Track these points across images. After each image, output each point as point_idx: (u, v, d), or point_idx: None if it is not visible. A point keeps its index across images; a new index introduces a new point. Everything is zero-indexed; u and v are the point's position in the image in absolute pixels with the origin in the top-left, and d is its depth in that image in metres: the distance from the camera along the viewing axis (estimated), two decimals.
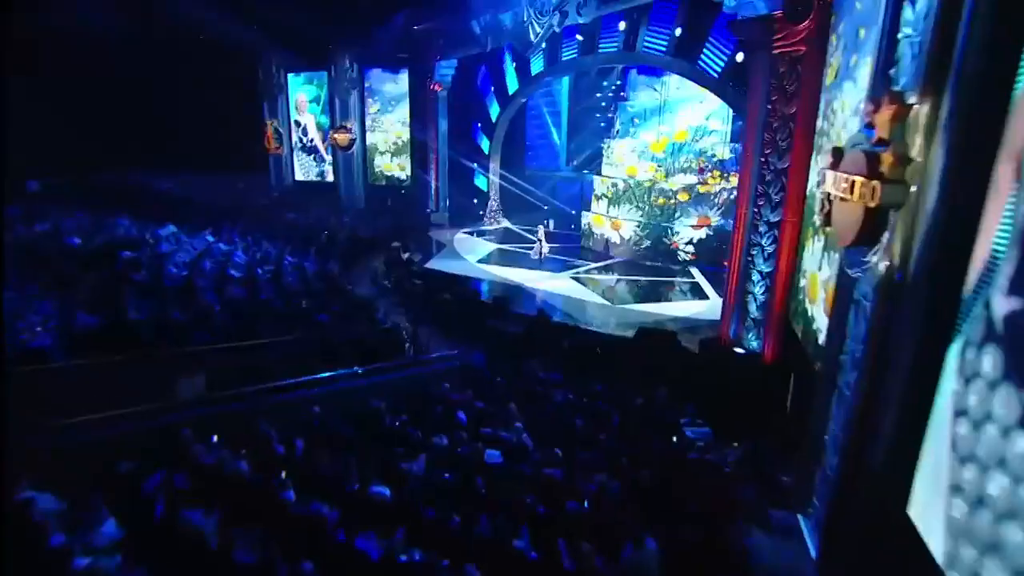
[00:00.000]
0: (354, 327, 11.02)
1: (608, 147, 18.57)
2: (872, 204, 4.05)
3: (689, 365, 10.32)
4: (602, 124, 23.81)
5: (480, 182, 24.84)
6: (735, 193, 16.27)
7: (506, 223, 23.39)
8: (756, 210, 9.56)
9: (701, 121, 16.87)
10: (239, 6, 23.05)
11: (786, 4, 8.51)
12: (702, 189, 16.59)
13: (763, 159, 9.33)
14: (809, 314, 7.32)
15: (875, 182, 3.95)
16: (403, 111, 24.41)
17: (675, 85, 17.04)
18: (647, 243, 17.14)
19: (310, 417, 6.80)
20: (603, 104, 22.94)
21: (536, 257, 17.02)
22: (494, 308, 13.07)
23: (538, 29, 15.31)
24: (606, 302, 13.73)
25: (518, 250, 18.98)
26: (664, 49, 14.06)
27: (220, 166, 26.33)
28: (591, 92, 23.55)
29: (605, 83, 22.97)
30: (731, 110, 16.91)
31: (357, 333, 10.45)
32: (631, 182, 17.42)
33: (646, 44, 14.49)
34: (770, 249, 9.46)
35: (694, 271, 16.25)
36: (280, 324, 10.77)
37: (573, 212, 22.48)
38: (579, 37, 16.82)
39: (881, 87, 4.69)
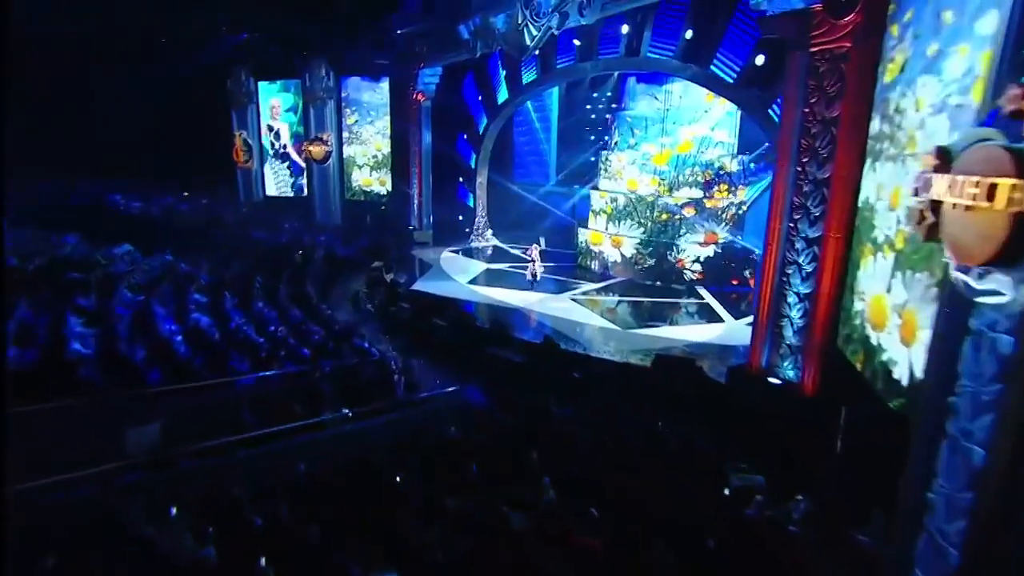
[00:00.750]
0: (339, 360, 9.92)
1: (606, 159, 17.88)
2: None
3: (717, 397, 9.48)
4: (594, 136, 23.28)
5: (462, 196, 23.98)
6: (743, 208, 15.84)
7: (495, 241, 22.50)
8: (792, 225, 8.83)
9: (706, 132, 16.30)
10: (206, 9, 22.10)
11: None
12: (709, 204, 15.95)
13: (800, 168, 8.62)
14: (873, 342, 6.52)
15: None
16: (383, 122, 23.51)
17: (678, 93, 16.50)
18: (650, 262, 16.39)
19: (294, 476, 5.71)
20: (596, 115, 22.38)
21: (530, 278, 16.14)
22: (493, 334, 12.10)
23: (535, 32, 14.62)
24: (612, 326, 12.86)
25: (510, 270, 18.10)
26: (672, 53, 13.45)
27: (183, 180, 25.02)
28: (583, 102, 22.95)
29: (596, 93, 22.44)
30: (739, 120, 16.48)
31: (342, 367, 9.35)
32: (632, 197, 16.72)
33: (652, 48, 13.88)
34: (809, 268, 8.71)
35: (702, 291, 15.52)
36: (253, 358, 9.64)
37: (566, 228, 21.73)
38: (577, 42, 16.19)
39: (1012, 71, 3.94)
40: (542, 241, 16.56)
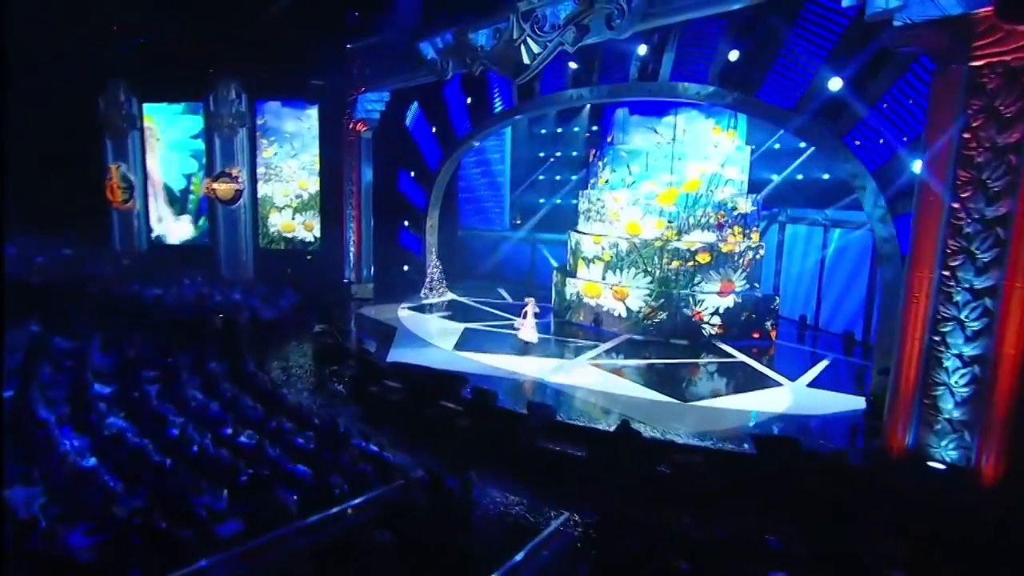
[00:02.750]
0: (365, 486, 7.17)
1: (596, 200, 16.46)
2: None
3: (860, 489, 7.88)
4: (560, 176, 22.12)
5: (406, 242, 21.60)
6: (760, 252, 14.99)
7: (451, 295, 20.20)
8: (947, 273, 7.62)
9: (716, 168, 15.43)
10: (73, 10, 18.42)
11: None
12: (724, 248, 14.93)
13: (957, 205, 7.48)
14: None
15: None
16: (310, 155, 20.75)
17: (681, 126, 15.57)
18: (662, 315, 14.96)
19: None
20: (569, 150, 21.35)
21: (526, 338, 14.13)
22: (535, 421, 9.81)
23: (537, 49, 13.02)
24: (666, 398, 11.07)
25: (494, 330, 15.90)
26: (705, 77, 12.39)
27: (39, 225, 20.33)
28: (548, 137, 21.87)
29: (561, 128, 21.45)
30: (748, 155, 15.83)
31: (383, 500, 6.69)
32: (637, 242, 15.33)
33: (679, 72, 12.76)
34: (975, 326, 7.48)
35: (728, 348, 14.28)
36: (229, 487, 6.72)
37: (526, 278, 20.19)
38: (572, 65, 14.84)
39: None
40: (533, 299, 14.64)
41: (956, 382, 7.69)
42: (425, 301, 19.48)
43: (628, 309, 15.33)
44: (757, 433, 9.34)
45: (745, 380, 12.15)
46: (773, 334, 15.14)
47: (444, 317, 17.35)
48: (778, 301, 15.41)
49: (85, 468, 6.82)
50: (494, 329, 15.97)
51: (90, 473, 6.76)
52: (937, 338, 7.78)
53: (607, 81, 14.39)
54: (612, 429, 9.20)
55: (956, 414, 7.73)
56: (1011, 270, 7.17)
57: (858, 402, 10.77)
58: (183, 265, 20.42)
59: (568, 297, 16.59)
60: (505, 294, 20.72)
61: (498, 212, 23.15)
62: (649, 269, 15.24)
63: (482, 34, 14.49)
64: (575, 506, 8.18)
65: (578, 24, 12.15)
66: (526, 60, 13.45)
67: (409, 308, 18.51)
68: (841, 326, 15.38)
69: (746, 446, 9.08)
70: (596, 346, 14.38)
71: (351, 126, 19.54)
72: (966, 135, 7.39)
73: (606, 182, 16.69)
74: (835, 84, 10.14)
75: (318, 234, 20.92)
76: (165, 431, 8.45)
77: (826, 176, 15.50)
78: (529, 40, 13.21)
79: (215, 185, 20.70)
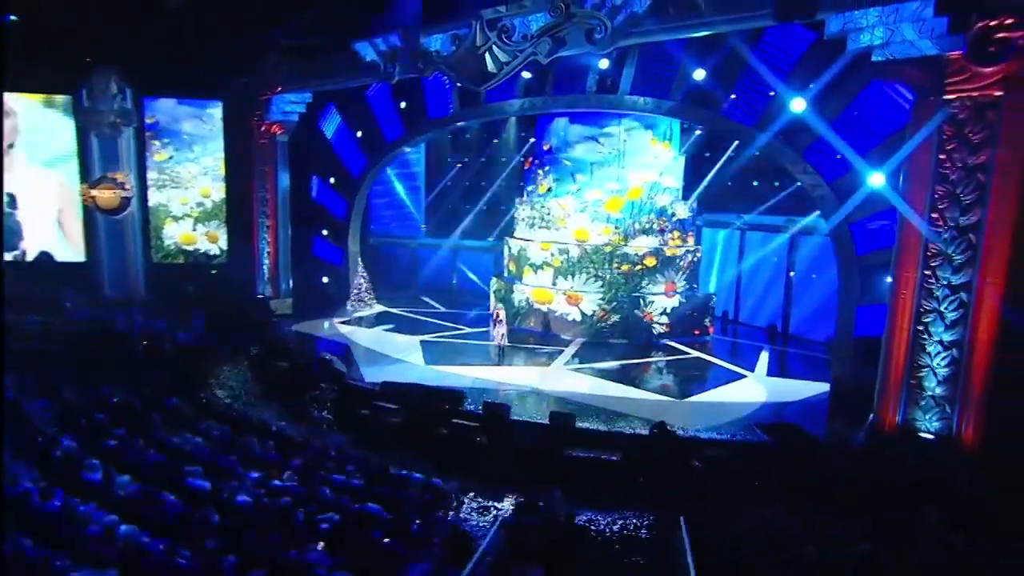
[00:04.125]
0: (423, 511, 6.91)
1: (542, 207, 16.89)
2: None
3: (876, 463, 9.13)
4: (485, 182, 22.23)
5: (324, 253, 20.49)
6: (698, 254, 16.40)
7: (380, 307, 19.51)
8: (929, 272, 9.07)
9: (655, 177, 16.55)
10: None
11: (971, 45, 8.38)
12: (669, 252, 16.11)
13: (935, 215, 8.94)
14: None
15: None
16: (214, 160, 18.84)
17: (621, 136, 16.49)
18: (615, 317, 15.79)
19: None
20: (497, 157, 21.55)
21: (499, 344, 14.25)
22: (558, 431, 9.98)
23: (504, 58, 13.05)
24: (663, 397, 11.81)
25: (454, 340, 15.73)
26: (665, 92, 13.30)
27: None
28: (471, 141, 21.87)
29: (486, 133, 21.61)
30: (683, 164, 17.14)
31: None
32: (588, 248, 16.00)
33: (637, 88, 13.55)
34: (953, 316, 8.97)
35: (677, 345, 15.47)
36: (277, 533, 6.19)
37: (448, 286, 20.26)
38: (525, 74, 15.07)
39: None
40: (503, 307, 14.76)
41: (938, 364, 9.15)
42: (357, 314, 18.65)
43: (583, 313, 15.94)
44: (764, 423, 10.31)
45: (716, 374, 13.27)
46: (711, 330, 16.61)
47: (390, 331, 16.74)
48: (715, 299, 16.94)
49: (149, 547, 5.77)
50: (452, 340, 15.79)
51: (156, 552, 5.75)
52: (921, 327, 9.20)
53: (562, 92, 14.84)
54: (647, 432, 9.64)
55: (938, 391, 9.20)
56: (982, 269, 8.70)
57: (819, 387, 12.27)
58: (50, 284, 17.57)
59: (517, 304, 16.80)
60: (434, 303, 20.46)
61: (415, 218, 22.73)
62: (600, 274, 15.97)
63: (436, 39, 14.23)
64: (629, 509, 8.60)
65: (554, 36, 12.43)
66: (491, 68, 13.42)
67: (344, 323, 17.62)
68: (764, 320, 17.27)
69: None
70: (561, 351, 14.80)
71: (263, 128, 18.11)
72: (942, 156, 8.83)
73: (549, 189, 17.16)
74: (798, 105, 11.46)
75: (224, 246, 19.04)
76: (184, 481, 7.44)
77: (755, 183, 17.26)
78: (496, 49, 13.23)
79: (95, 192, 17.98)
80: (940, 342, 9.06)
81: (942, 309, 9.00)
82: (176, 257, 18.98)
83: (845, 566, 6.13)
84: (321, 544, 6.18)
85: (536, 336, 16.25)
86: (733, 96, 12.58)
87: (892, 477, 8.65)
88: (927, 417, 9.26)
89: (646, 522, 8.36)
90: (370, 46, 15.34)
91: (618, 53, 13.86)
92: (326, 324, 17.50)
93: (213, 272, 19.08)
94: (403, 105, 17.76)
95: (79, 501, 6.30)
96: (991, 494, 8.18)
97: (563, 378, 12.90)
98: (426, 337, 15.83)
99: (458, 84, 15.92)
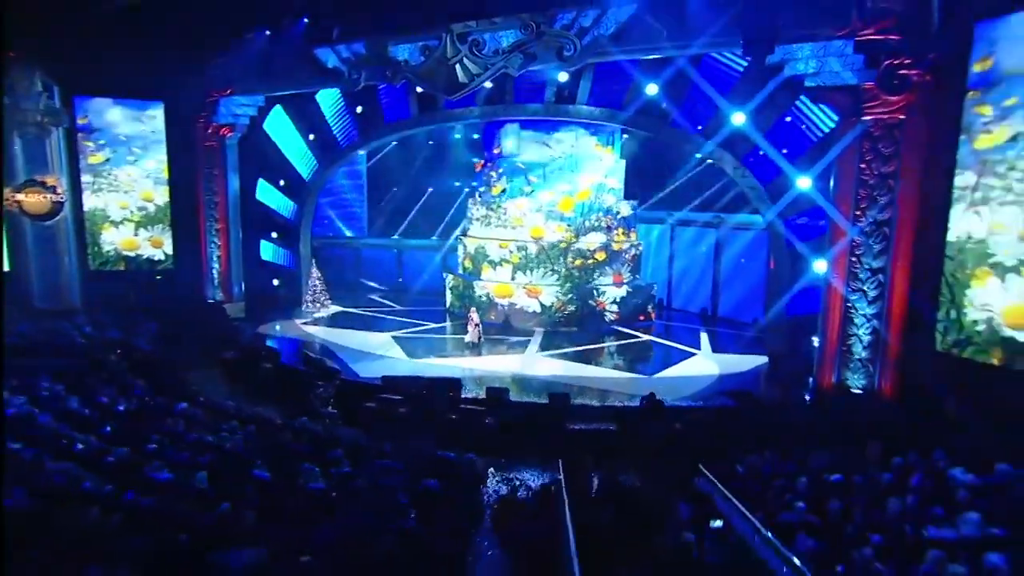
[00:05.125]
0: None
1: (499, 207, 18.12)
2: None
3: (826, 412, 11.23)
4: (432, 186, 23.00)
5: (276, 257, 20.56)
6: (639, 248, 18.35)
7: (335, 307, 19.91)
8: (855, 259, 11.29)
9: (601, 179, 18.25)
10: None
11: (880, 78, 10.62)
12: (616, 247, 17.89)
13: (859, 212, 11.16)
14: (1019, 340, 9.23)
15: None
16: (156, 162, 18.37)
17: (570, 142, 18.05)
18: (571, 308, 17.36)
19: None
20: (450, 159, 22.39)
21: (474, 340, 15.37)
22: (556, 408, 11.31)
23: (475, 70, 14.13)
24: (633, 375, 13.48)
25: (425, 336, 16.64)
26: (620, 104, 14.96)
27: None
28: (418, 143, 22.54)
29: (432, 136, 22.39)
30: (624, 167, 18.95)
31: None
32: (545, 244, 17.45)
33: (597, 98, 15.12)
34: (873, 294, 11.25)
35: (627, 330, 17.28)
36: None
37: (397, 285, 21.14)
38: (487, 84, 16.19)
39: None
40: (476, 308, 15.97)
41: (862, 333, 11.41)
42: (315, 315, 18.98)
43: (542, 305, 17.37)
44: (730, 390, 12.19)
45: (673, 354, 15.13)
46: (653, 316, 18.61)
47: (361, 330, 17.27)
48: (656, 288, 18.97)
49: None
50: (423, 336, 16.67)
51: None
52: (849, 304, 11.42)
53: (522, 102, 16.13)
54: (638, 404, 11.19)
55: (864, 355, 11.46)
56: (895, 255, 11.00)
57: (756, 359, 14.45)
58: None
59: (477, 299, 17.91)
60: (387, 301, 21.11)
61: (359, 218, 23.15)
62: (556, 268, 17.47)
63: (404, 49, 14.98)
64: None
65: (525, 52, 13.68)
66: (462, 79, 14.48)
67: (306, 324, 17.95)
68: (696, 306, 19.55)
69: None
70: (528, 340, 16.14)
71: (210, 131, 17.95)
72: (862, 166, 11.05)
73: (503, 191, 18.40)
74: (738, 119, 13.49)
75: (169, 251, 18.61)
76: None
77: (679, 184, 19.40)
78: (467, 61, 14.28)
79: (20, 197, 17.01)
80: (864, 315, 11.30)
81: (865, 288, 11.23)
82: (117, 264, 18.33)
83: (825, 487, 7.92)
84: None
85: (497, 328, 17.44)
86: (680, 108, 14.44)
87: (835, 423, 10.74)
88: (855, 376, 11.50)
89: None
90: (332, 52, 15.82)
91: (579, 69, 15.39)
92: (284, 325, 17.74)
93: (158, 278, 18.63)
94: (359, 109, 18.28)
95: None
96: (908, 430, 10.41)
97: (539, 363, 14.24)
98: (398, 333, 16.60)
99: (421, 91, 16.91)
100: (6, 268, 17.66)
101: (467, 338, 15.39)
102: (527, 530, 7.07)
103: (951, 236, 10.20)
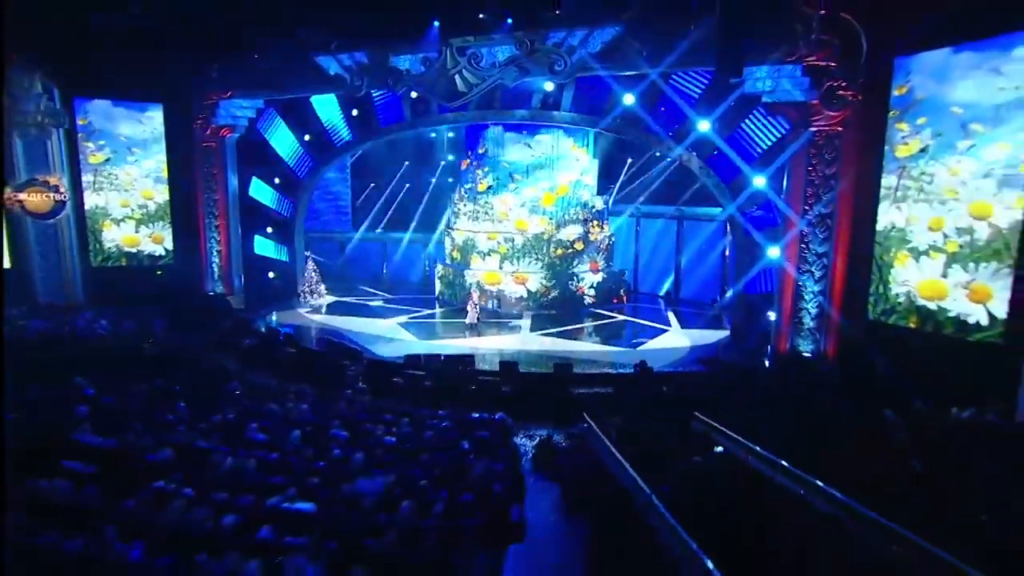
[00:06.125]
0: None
1: (485, 203, 19.90)
2: None
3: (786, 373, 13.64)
4: (411, 184, 24.44)
5: (264, 249, 21.65)
6: (612, 239, 20.56)
7: (332, 297, 21.26)
8: (804, 245, 13.73)
9: (578, 177, 20.29)
10: None
11: (823, 96, 13.02)
12: (592, 237, 20.00)
13: (807, 207, 13.60)
14: (932, 308, 11.78)
15: None
16: (156, 162, 19.19)
17: (550, 143, 19.98)
18: (555, 293, 19.39)
19: None
20: (433, 159, 23.80)
21: (473, 321, 17.17)
22: (563, 377, 13.30)
23: (473, 80, 15.81)
24: (620, 348, 15.63)
25: (429, 320, 18.37)
26: (601, 111, 16.99)
27: None
28: (401, 141, 23.85)
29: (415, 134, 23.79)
30: (597, 166, 21.02)
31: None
32: (530, 236, 19.37)
33: (578, 106, 17.08)
34: (819, 274, 13.73)
35: (605, 312, 19.46)
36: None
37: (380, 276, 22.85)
38: None
39: None
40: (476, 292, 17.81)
41: (810, 307, 13.88)
42: (316, 303, 20.32)
43: (528, 291, 19.32)
44: (702, 358, 14.48)
45: (648, 330, 17.37)
46: (625, 299, 20.86)
47: (363, 317, 18.75)
48: (627, 274, 21.22)
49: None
50: (426, 320, 18.36)
51: None
52: (800, 283, 13.87)
53: (511, 107, 17.93)
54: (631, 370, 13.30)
55: (811, 325, 13.95)
56: (836, 242, 13.48)
57: (719, 333, 16.87)
58: None
59: (468, 286, 19.68)
60: (377, 291, 22.58)
61: (345, 212, 24.41)
62: (540, 257, 19.45)
63: (406, 59, 16.49)
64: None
65: (519, 66, 15.48)
66: (461, 88, 16.17)
67: (310, 313, 19.30)
68: (661, 289, 21.94)
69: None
70: (520, 323, 18.06)
71: (209, 131, 18.93)
72: (810, 168, 13.46)
73: (489, 187, 20.19)
74: (704, 125, 15.74)
75: (169, 246, 19.49)
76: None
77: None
78: (465, 72, 15.96)
79: (22, 196, 17.59)
80: (811, 292, 13.76)
81: (812, 269, 13.68)
82: (118, 260, 19.11)
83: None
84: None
85: (488, 312, 19.27)
86: (653, 116, 16.62)
87: (794, 383, 13.14)
88: (805, 342, 13.98)
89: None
90: (334, 60, 17.16)
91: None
92: (287, 314, 19.01)
93: (159, 273, 19.50)
94: (354, 112, 19.62)
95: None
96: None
97: (535, 341, 16.20)
98: (402, 319, 18.22)
99: (417, 98, 18.49)
100: (7, 265, 18.31)
101: (467, 319, 17.13)
102: (571, 463, 9.05)
103: (879, 226, 12.74)
